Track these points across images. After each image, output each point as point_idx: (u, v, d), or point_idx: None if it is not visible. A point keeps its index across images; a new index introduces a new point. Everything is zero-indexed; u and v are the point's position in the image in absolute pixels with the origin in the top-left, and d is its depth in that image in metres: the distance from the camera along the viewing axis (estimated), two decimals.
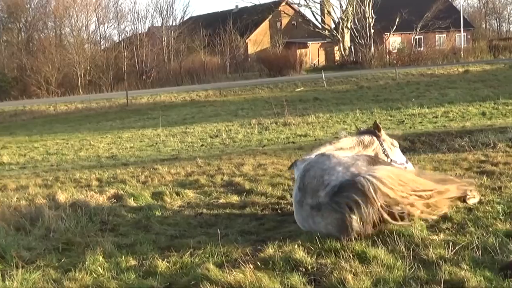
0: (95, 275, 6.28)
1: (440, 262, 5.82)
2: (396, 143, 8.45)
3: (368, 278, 5.62)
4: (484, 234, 6.57)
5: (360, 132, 8.69)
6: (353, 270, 5.81)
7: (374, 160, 7.31)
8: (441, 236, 6.69)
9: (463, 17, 75.95)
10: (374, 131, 8.39)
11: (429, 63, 61.31)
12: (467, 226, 6.96)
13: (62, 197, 10.00)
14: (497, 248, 6.04)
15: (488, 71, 46.46)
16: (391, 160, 8.17)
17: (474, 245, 6.19)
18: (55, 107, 45.60)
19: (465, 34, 75.28)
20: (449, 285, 5.36)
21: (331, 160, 7.17)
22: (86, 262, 6.56)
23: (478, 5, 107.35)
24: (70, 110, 45.00)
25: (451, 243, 6.30)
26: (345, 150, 8.05)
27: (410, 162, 8.60)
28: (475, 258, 5.90)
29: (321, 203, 6.82)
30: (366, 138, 8.28)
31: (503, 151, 12.01)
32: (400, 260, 5.98)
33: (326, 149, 8.15)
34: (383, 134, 8.43)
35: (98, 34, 76.75)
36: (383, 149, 8.22)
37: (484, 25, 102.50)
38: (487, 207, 7.70)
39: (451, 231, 6.91)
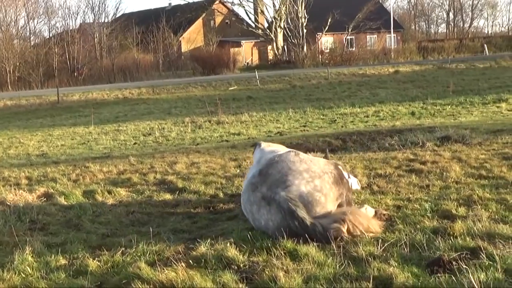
0: (23, 275, 6.16)
1: (370, 259, 5.93)
2: None
3: (300, 275, 5.68)
4: (412, 231, 6.72)
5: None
6: (284, 268, 5.86)
7: (340, 179, 7.26)
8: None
9: (393, 18, 77.34)
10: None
11: (360, 63, 62.23)
12: (395, 224, 7.11)
13: None
14: (425, 244, 6.20)
15: (417, 71, 47.48)
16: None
17: (403, 242, 6.33)
18: None
19: (395, 35, 76.69)
20: (378, 281, 5.46)
21: (301, 164, 7.16)
22: (15, 262, 6.42)
23: (408, 7, 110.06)
24: None
25: (380, 240, 6.43)
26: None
27: (352, 177, 8.66)
28: (403, 255, 6.04)
29: (274, 199, 6.82)
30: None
31: (431, 150, 12.30)
32: (331, 257, 6.06)
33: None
34: None
35: (28, 29, 75.16)
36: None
37: (413, 27, 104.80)
38: (415, 205, 7.89)
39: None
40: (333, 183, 7.08)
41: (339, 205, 7.20)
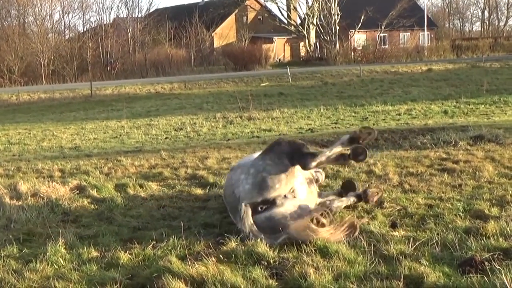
0: (56, 266, 6.24)
1: (400, 257, 5.91)
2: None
3: (330, 272, 5.68)
4: (444, 231, 6.68)
5: None
6: (314, 265, 5.87)
7: (269, 150, 7.30)
8: (402, 232, 6.79)
9: (427, 16, 76.67)
10: None
11: (393, 60, 61.86)
12: (427, 223, 7.07)
13: (23, 187, 9.88)
14: (456, 244, 6.15)
15: (451, 70, 47.02)
16: None
17: (434, 241, 6.30)
18: (17, 97, 44.97)
19: (428, 33, 76.02)
20: (409, 280, 5.44)
21: (236, 172, 7.37)
22: (47, 253, 6.51)
23: (442, 4, 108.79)
24: (33, 100, 44.45)
25: (411, 239, 6.40)
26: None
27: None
28: (434, 254, 6.00)
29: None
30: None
31: (464, 149, 12.18)
32: (361, 255, 6.05)
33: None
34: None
35: (63, 23, 76.01)
36: None
37: (447, 25, 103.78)
38: (447, 204, 7.83)
39: (412, 227, 7.01)
40: (265, 157, 7.22)
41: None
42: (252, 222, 6.74)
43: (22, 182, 10.25)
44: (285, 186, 6.95)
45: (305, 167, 7.11)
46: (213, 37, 76.56)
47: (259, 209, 6.87)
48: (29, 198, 9.12)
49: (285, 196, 6.96)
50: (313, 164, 7.09)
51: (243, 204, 6.85)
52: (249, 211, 6.81)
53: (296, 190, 7.16)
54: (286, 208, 6.87)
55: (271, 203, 6.88)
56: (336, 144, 7.48)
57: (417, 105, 25.65)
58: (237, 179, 7.15)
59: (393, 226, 7.04)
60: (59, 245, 6.75)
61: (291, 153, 7.12)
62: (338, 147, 7.42)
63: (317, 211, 7.10)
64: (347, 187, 8.30)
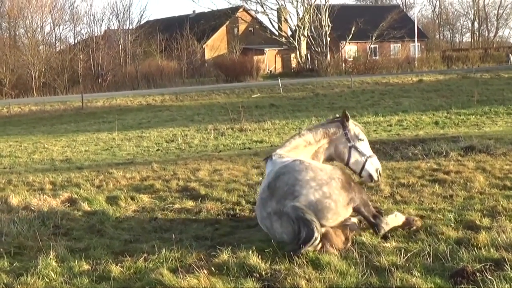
0: (47, 280, 6.21)
1: (392, 268, 5.91)
2: (362, 135, 8.28)
3: (322, 284, 5.68)
4: (435, 242, 6.69)
5: (328, 121, 8.67)
6: (306, 276, 5.86)
7: (348, 184, 7.16)
8: (393, 243, 6.80)
9: (418, 27, 77.08)
10: (342, 120, 8.34)
11: (384, 72, 62.10)
12: (418, 234, 7.08)
13: (14, 200, 9.87)
14: (448, 255, 6.16)
15: (441, 81, 47.20)
16: (352, 146, 8.15)
17: (426, 252, 6.31)
18: (8, 109, 44.84)
19: (419, 44, 76.41)
20: None
21: (307, 172, 7.08)
22: (39, 267, 6.48)
23: (432, 16, 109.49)
24: (24, 112, 44.33)
25: (403, 250, 6.40)
26: (312, 145, 8.12)
27: (375, 157, 8.44)
28: (426, 265, 6.01)
29: (283, 212, 6.82)
30: (332, 129, 8.25)
31: (455, 160, 12.23)
32: (353, 267, 6.05)
33: (296, 142, 8.16)
34: (350, 123, 8.34)
35: (53, 35, 75.73)
36: (347, 138, 8.17)
37: (437, 36, 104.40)
38: (438, 215, 7.85)
39: (403, 238, 7.02)
40: (341, 188, 7.02)
41: (355, 209, 7.20)
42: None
43: (13, 195, 10.24)
44: (333, 223, 6.97)
45: (378, 231, 7.13)
46: (204, 48, 76.65)
47: None
48: (20, 211, 9.10)
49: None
50: (383, 231, 7.17)
51: (294, 204, 6.78)
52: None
53: None
54: None
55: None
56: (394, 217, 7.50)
57: (408, 116, 25.72)
58: (306, 180, 6.98)
59: (385, 237, 7.04)
60: (50, 258, 6.72)
61: (361, 207, 7.18)
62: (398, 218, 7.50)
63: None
64: None
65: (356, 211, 7.24)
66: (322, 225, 6.77)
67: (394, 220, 7.38)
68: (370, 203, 7.46)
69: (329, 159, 8.33)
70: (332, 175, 7.13)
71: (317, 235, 6.54)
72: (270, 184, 7.19)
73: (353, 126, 8.32)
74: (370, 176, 8.09)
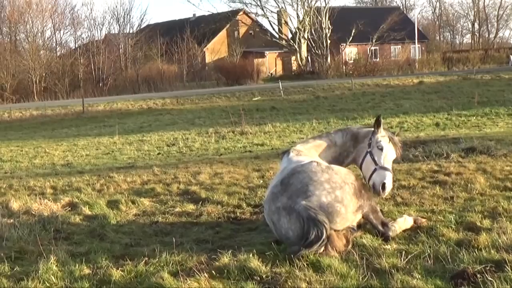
0: (48, 284, 6.21)
1: (393, 271, 5.91)
2: (383, 145, 8.04)
3: (322, 286, 5.68)
4: (436, 243, 6.69)
5: (362, 127, 8.71)
6: (307, 279, 5.86)
7: (359, 191, 7.15)
8: (394, 245, 6.79)
9: (418, 29, 77.16)
10: (374, 125, 8.20)
11: (384, 74, 62.12)
12: (419, 236, 7.07)
13: (15, 205, 9.87)
14: (449, 257, 6.16)
15: (442, 82, 47.18)
16: (369, 152, 8.06)
17: (426, 254, 6.30)
18: (9, 114, 44.92)
19: (419, 45, 76.43)
20: None
21: (323, 174, 7.09)
22: (39, 271, 6.47)
23: (432, 17, 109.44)
24: (25, 117, 44.38)
25: (403, 252, 6.40)
26: (337, 147, 8.16)
27: (387, 171, 8.10)
28: (427, 267, 6.00)
29: (293, 209, 6.82)
30: (362, 134, 8.25)
31: (455, 161, 12.21)
32: (354, 269, 6.05)
33: (320, 141, 8.24)
34: (381, 130, 8.17)
35: (54, 40, 75.91)
36: (369, 143, 8.07)
37: (438, 37, 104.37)
38: (439, 217, 7.85)
39: (404, 240, 7.02)
40: (353, 194, 7.03)
41: (364, 216, 7.20)
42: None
43: (14, 200, 10.24)
44: (340, 227, 6.96)
45: (387, 240, 7.12)
46: (204, 52, 76.70)
47: None
48: (21, 215, 9.10)
49: None
50: (392, 234, 7.19)
51: (306, 203, 6.79)
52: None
53: None
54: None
55: None
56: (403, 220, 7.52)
57: (408, 117, 25.72)
58: (321, 182, 6.98)
59: (386, 239, 7.04)
60: (51, 262, 6.71)
61: (370, 214, 7.23)
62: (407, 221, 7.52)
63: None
64: None
65: (365, 218, 7.25)
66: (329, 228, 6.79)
67: (403, 223, 7.39)
68: (379, 209, 7.47)
69: (352, 163, 8.34)
70: (346, 180, 7.13)
71: (325, 237, 6.56)
72: (284, 180, 7.19)
73: (382, 134, 8.16)
74: (374, 186, 7.96)
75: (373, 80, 51.36)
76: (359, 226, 7.44)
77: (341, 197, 6.91)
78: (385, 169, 7.95)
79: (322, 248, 6.56)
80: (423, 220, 7.60)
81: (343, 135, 8.26)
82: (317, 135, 8.47)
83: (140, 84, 64.31)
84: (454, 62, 70.20)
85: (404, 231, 7.32)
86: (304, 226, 6.66)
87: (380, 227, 7.22)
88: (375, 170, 7.95)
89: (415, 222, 7.49)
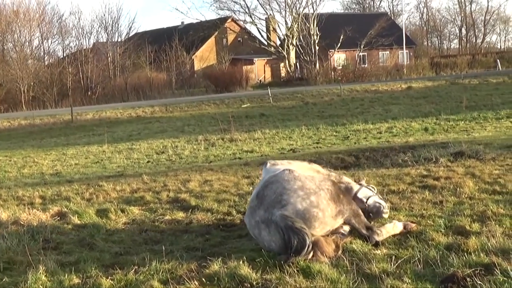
0: None
1: (383, 275, 5.91)
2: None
3: None
4: (426, 248, 6.70)
5: None
6: (297, 285, 5.86)
7: (337, 196, 7.21)
8: (384, 250, 6.80)
9: (406, 34, 77.40)
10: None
11: (373, 79, 62.27)
12: (409, 240, 7.08)
13: (4, 215, 9.81)
14: (438, 261, 6.17)
15: (430, 87, 47.36)
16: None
17: (416, 258, 6.31)
18: None
19: (407, 51, 76.71)
20: None
21: (296, 181, 7.11)
22: (28, 281, 6.43)
23: (420, 23, 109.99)
24: (13, 127, 44.17)
25: (393, 257, 6.41)
26: (320, 173, 7.99)
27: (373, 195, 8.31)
28: (417, 271, 6.02)
29: (271, 220, 6.83)
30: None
31: (444, 166, 12.26)
32: (344, 275, 6.05)
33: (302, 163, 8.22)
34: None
35: (42, 49, 75.75)
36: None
37: (426, 43, 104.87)
38: (428, 221, 7.86)
39: (394, 245, 7.03)
40: (330, 199, 7.05)
41: (346, 222, 7.22)
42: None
43: (2, 210, 10.18)
44: (320, 232, 6.96)
45: (376, 245, 7.12)
46: (193, 59, 76.72)
47: None
48: (10, 226, 9.04)
49: None
50: (377, 238, 7.18)
51: (282, 213, 6.79)
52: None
53: None
54: None
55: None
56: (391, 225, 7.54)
57: (397, 123, 25.80)
58: (294, 189, 7.00)
59: (376, 244, 7.05)
60: (40, 272, 6.67)
61: (352, 219, 7.24)
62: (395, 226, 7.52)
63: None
64: None
65: (347, 223, 7.27)
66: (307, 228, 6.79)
67: (391, 228, 7.41)
68: (361, 213, 7.48)
69: None
70: (321, 186, 7.16)
71: (309, 242, 6.55)
72: (259, 193, 7.22)
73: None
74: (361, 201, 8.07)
75: (361, 86, 51.49)
76: (350, 231, 7.45)
77: (316, 202, 6.93)
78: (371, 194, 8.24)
79: (311, 254, 6.56)
80: (413, 225, 7.61)
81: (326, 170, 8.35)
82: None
83: (129, 93, 64.20)
84: (442, 67, 70.52)
85: (393, 236, 7.34)
86: (284, 236, 6.67)
87: (363, 231, 7.24)
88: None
89: (404, 227, 7.50)
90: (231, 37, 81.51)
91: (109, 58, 72.44)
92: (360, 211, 7.50)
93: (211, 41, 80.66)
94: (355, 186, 8.18)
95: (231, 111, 40.11)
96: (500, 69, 66.89)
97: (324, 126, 26.95)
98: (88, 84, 67.21)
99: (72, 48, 75.69)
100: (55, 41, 78.25)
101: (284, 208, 6.84)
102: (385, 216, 8.16)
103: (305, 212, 6.84)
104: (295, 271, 6.20)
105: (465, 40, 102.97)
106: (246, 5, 74.36)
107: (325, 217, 6.92)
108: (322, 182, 7.27)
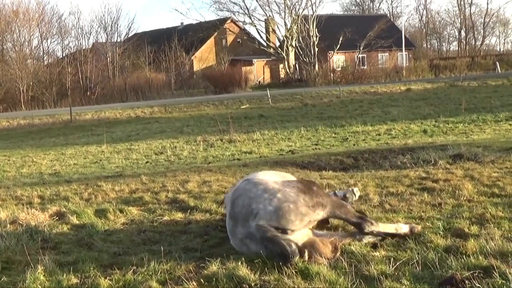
0: None
1: (382, 277, 5.91)
2: None
3: None
4: (424, 250, 6.69)
5: None
6: (296, 287, 5.85)
7: (308, 188, 7.18)
8: (382, 252, 6.79)
9: (405, 36, 77.52)
10: None
11: (372, 81, 62.32)
12: (407, 242, 7.08)
13: (2, 214, 9.80)
14: (437, 263, 6.16)
15: (429, 89, 47.40)
16: None
17: (415, 260, 6.30)
18: None
19: (406, 53, 76.77)
20: None
21: (257, 186, 7.16)
22: (27, 281, 6.42)
23: (419, 25, 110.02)
24: (12, 126, 44.15)
25: (392, 259, 6.40)
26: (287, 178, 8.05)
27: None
28: (415, 274, 6.01)
29: (252, 233, 6.85)
30: None
31: (443, 168, 12.25)
32: (342, 276, 6.04)
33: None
34: None
35: (41, 49, 75.71)
36: None
37: (425, 45, 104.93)
38: (427, 223, 7.85)
39: (392, 247, 7.02)
40: (299, 192, 7.05)
41: (330, 215, 7.28)
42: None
43: (0, 210, 10.17)
44: (300, 224, 6.92)
45: (362, 231, 7.15)
46: (192, 60, 76.74)
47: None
48: (8, 225, 9.03)
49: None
50: (368, 229, 7.19)
51: (257, 223, 6.81)
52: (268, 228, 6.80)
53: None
54: (294, 236, 6.85)
55: (282, 232, 6.84)
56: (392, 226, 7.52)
57: (396, 125, 25.82)
58: (259, 195, 7.02)
59: (374, 246, 7.04)
60: (39, 272, 6.66)
61: (335, 210, 7.21)
62: (392, 227, 7.48)
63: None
64: None
65: (332, 215, 7.29)
66: (290, 230, 6.79)
67: (392, 227, 7.41)
68: (347, 204, 7.49)
69: None
70: (285, 184, 7.25)
71: (290, 248, 6.54)
72: (230, 213, 7.27)
73: None
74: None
75: (360, 88, 51.51)
76: (351, 234, 7.43)
77: (284, 197, 6.93)
78: None
79: (307, 256, 6.55)
80: (419, 227, 7.58)
81: None
82: None
83: (128, 93, 64.20)
84: (441, 69, 70.60)
85: (392, 237, 7.32)
86: (267, 246, 6.70)
87: (353, 219, 7.24)
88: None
89: (411, 230, 7.43)
90: (230, 38, 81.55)
91: (108, 58, 72.41)
92: (345, 203, 7.51)
93: (210, 42, 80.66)
94: None
95: (230, 112, 40.12)
96: (499, 71, 66.96)
97: (323, 128, 26.97)
98: (87, 84, 67.19)
99: (71, 48, 75.77)
100: (54, 41, 78.27)
101: (258, 216, 6.86)
102: (357, 193, 8.57)
103: (277, 210, 6.84)
104: (294, 273, 6.20)
105: (464, 42, 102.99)
106: (246, 6, 74.48)
107: (298, 207, 6.89)
108: (286, 181, 7.34)
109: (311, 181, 7.63)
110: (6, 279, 6.69)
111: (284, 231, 6.80)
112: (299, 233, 6.90)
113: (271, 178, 7.63)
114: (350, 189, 8.80)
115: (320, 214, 7.13)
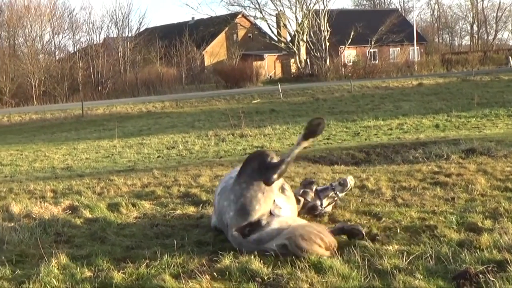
0: (49, 287, 6.20)
1: (395, 271, 5.89)
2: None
3: None
4: (438, 244, 6.67)
5: None
6: (309, 281, 5.85)
7: (264, 170, 7.14)
8: (396, 246, 6.78)
9: (417, 31, 77.26)
10: None
11: (383, 76, 62.18)
12: (421, 236, 7.06)
13: (16, 208, 9.84)
14: (450, 257, 6.15)
15: (441, 84, 47.23)
16: None
17: (428, 254, 6.28)
18: (8, 118, 44.89)
19: (418, 47, 76.55)
20: None
21: (221, 196, 7.44)
22: (41, 274, 6.45)
23: (431, 19, 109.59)
24: (24, 121, 44.35)
25: (405, 253, 6.38)
26: None
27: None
28: (428, 268, 5.99)
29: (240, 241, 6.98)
30: None
31: (456, 162, 12.21)
32: (356, 270, 6.03)
33: None
34: None
35: (53, 44, 75.89)
36: None
37: (437, 39, 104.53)
38: (440, 217, 7.83)
39: (405, 241, 7.00)
40: (249, 175, 7.08)
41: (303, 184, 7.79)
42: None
43: (14, 203, 10.20)
44: (265, 204, 6.93)
45: (268, 182, 7.06)
46: (203, 55, 76.76)
47: (246, 232, 6.85)
48: (22, 219, 9.07)
49: (270, 212, 6.96)
50: (275, 177, 7.09)
51: (233, 231, 6.91)
52: (239, 236, 6.88)
53: (277, 202, 7.18)
54: (272, 226, 6.83)
55: (256, 224, 6.84)
56: (294, 148, 7.56)
57: (408, 119, 25.74)
58: (223, 205, 7.18)
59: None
60: (52, 265, 6.70)
61: (260, 170, 7.13)
62: (295, 150, 7.53)
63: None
64: None
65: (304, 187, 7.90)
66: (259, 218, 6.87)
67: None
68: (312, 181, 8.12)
69: None
70: (231, 175, 7.60)
71: (283, 250, 6.60)
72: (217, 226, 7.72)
73: None
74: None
75: (372, 82, 51.40)
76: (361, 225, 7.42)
77: (235, 196, 7.04)
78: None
79: (305, 245, 6.54)
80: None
81: None
82: None
83: (139, 88, 64.29)
84: (453, 64, 70.39)
85: (405, 232, 7.30)
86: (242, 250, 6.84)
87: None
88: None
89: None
90: (241, 33, 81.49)
91: (119, 53, 72.56)
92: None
93: (221, 36, 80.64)
94: None
95: (241, 106, 40.11)
96: None
97: (335, 122, 26.92)
98: (99, 79, 67.35)
99: (82, 43, 76.00)
100: (66, 36, 78.67)
101: (229, 226, 7.02)
102: (351, 182, 8.61)
103: (238, 203, 6.98)
104: (307, 266, 6.20)
105: (476, 36, 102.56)
106: (257, 1, 74.10)
107: (257, 191, 6.96)
108: (232, 174, 7.70)
109: (247, 159, 7.56)
110: (20, 272, 6.73)
111: (257, 222, 6.85)
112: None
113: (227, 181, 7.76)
114: (344, 177, 8.79)
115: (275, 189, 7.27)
